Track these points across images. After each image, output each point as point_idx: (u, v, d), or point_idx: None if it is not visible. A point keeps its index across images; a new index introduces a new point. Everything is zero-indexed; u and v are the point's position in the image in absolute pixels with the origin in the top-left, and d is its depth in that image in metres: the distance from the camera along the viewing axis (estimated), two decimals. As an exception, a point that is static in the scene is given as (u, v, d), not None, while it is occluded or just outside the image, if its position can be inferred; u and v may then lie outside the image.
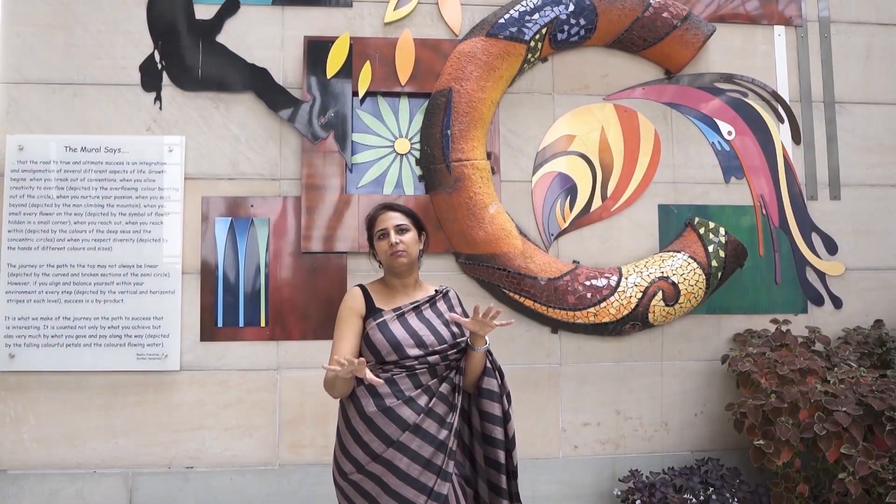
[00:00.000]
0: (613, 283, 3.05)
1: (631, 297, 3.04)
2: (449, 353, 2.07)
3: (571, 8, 3.12)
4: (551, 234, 3.23)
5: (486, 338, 2.08)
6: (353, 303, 2.13)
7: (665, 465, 3.13)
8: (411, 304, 2.12)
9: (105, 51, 3.13)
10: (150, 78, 3.13)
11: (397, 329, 2.06)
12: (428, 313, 2.12)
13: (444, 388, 2.06)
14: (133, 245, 3.04)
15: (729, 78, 3.38)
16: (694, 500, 2.79)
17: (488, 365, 2.14)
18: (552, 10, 3.11)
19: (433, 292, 2.19)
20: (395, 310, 2.10)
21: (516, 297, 3.06)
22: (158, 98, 3.13)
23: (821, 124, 3.41)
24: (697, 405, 3.26)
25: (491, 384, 2.14)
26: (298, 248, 3.09)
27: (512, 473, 2.14)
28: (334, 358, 1.89)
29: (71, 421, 2.99)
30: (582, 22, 3.15)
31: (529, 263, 3.04)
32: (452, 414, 2.05)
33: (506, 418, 2.14)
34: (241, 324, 3.06)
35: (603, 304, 3.03)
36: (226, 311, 3.06)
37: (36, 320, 2.98)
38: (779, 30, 3.43)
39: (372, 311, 2.12)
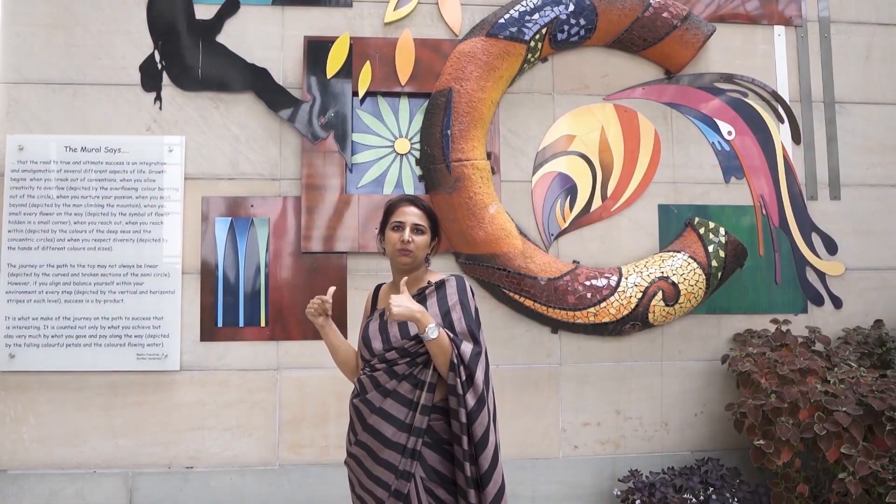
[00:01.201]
0: (613, 283, 3.05)
1: (631, 297, 3.04)
2: (407, 346, 1.96)
3: (571, 8, 3.12)
4: (551, 234, 3.23)
5: (431, 326, 1.86)
6: (365, 304, 2.23)
7: (665, 465, 3.13)
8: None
9: (105, 51, 3.13)
10: (150, 78, 3.13)
11: (373, 326, 2.07)
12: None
13: (404, 386, 1.95)
14: (133, 245, 3.04)
15: (729, 78, 3.38)
16: (694, 500, 2.79)
17: (454, 359, 1.88)
18: (552, 10, 3.11)
19: (426, 284, 2.06)
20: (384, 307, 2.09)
21: (516, 297, 3.06)
22: (158, 98, 3.13)
23: (821, 124, 3.41)
24: (697, 405, 3.26)
25: (452, 379, 1.88)
26: (298, 248, 3.09)
27: (473, 482, 1.90)
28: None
29: (71, 421, 2.99)
30: (582, 22, 3.15)
31: (529, 263, 3.04)
32: (412, 413, 1.93)
33: (469, 421, 1.87)
34: (241, 324, 3.06)
35: (603, 304, 3.03)
36: (226, 311, 3.06)
37: (36, 320, 2.98)
38: (779, 30, 3.43)
39: (372, 310, 2.17)
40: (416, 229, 2.05)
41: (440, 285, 2.04)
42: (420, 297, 2.03)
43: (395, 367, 1.98)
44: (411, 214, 2.06)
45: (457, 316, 1.98)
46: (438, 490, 1.95)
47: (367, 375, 2.02)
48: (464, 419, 1.87)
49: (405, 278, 2.02)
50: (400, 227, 2.05)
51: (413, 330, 1.96)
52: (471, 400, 1.88)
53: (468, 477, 1.88)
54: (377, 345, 2.02)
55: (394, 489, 1.93)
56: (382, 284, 2.22)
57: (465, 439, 1.87)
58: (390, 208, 2.11)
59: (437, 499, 1.95)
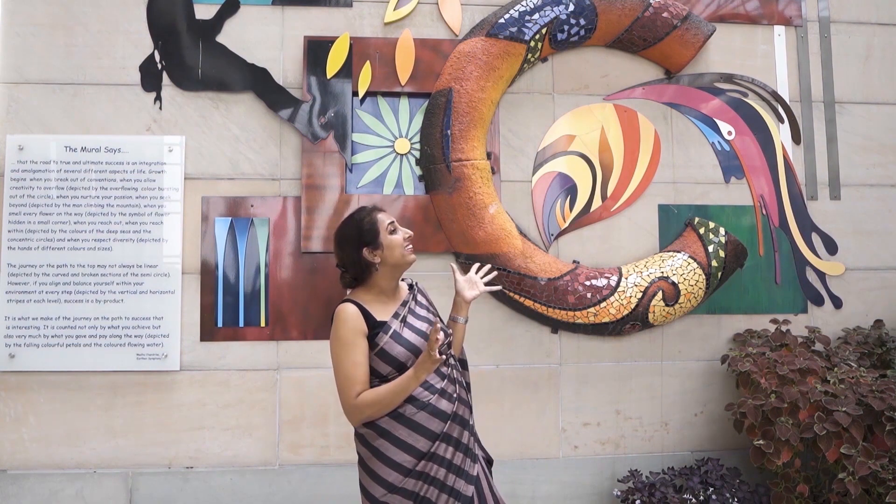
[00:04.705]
0: (613, 283, 3.05)
1: (631, 297, 3.04)
2: (451, 340, 2.08)
3: (571, 8, 3.12)
4: (551, 234, 3.23)
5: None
6: (356, 323, 1.98)
7: (665, 465, 3.13)
8: (402, 304, 2.08)
9: (105, 51, 3.13)
10: (150, 78, 3.13)
11: (409, 334, 2.02)
12: (419, 310, 2.11)
13: (457, 374, 2.07)
14: (133, 245, 3.04)
15: (729, 78, 3.38)
16: (694, 500, 2.79)
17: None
18: (552, 10, 3.11)
19: (408, 286, 2.17)
20: (395, 316, 2.04)
21: (516, 297, 3.06)
22: (158, 98, 3.13)
23: (821, 124, 3.41)
24: (697, 405, 3.26)
25: (463, 353, 2.23)
26: (298, 248, 3.09)
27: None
28: (434, 356, 1.85)
29: (71, 421, 2.99)
30: (582, 22, 3.15)
31: (529, 263, 3.04)
32: (469, 395, 2.11)
33: (469, 384, 2.24)
34: (241, 324, 3.06)
35: (603, 304, 3.03)
36: (226, 311, 3.06)
37: (36, 320, 2.98)
38: (779, 30, 3.43)
39: (375, 325, 2.00)
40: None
41: (418, 287, 2.21)
42: (414, 298, 2.14)
43: (451, 358, 2.07)
44: (390, 217, 2.10)
45: (434, 308, 2.21)
46: (485, 463, 2.14)
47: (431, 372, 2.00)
48: (468, 380, 2.18)
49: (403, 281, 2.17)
50: (396, 227, 2.07)
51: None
52: (468, 369, 2.25)
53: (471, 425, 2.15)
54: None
55: (471, 475, 2.00)
56: (352, 300, 2.04)
57: (469, 397, 2.14)
58: (372, 219, 2.04)
59: (489, 471, 2.14)
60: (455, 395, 2.02)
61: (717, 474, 2.93)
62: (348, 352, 1.96)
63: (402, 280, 2.18)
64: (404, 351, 1.99)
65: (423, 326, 2.07)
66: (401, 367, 1.99)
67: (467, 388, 2.20)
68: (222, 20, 3.16)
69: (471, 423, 2.07)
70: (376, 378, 2.02)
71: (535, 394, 3.18)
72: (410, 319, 2.07)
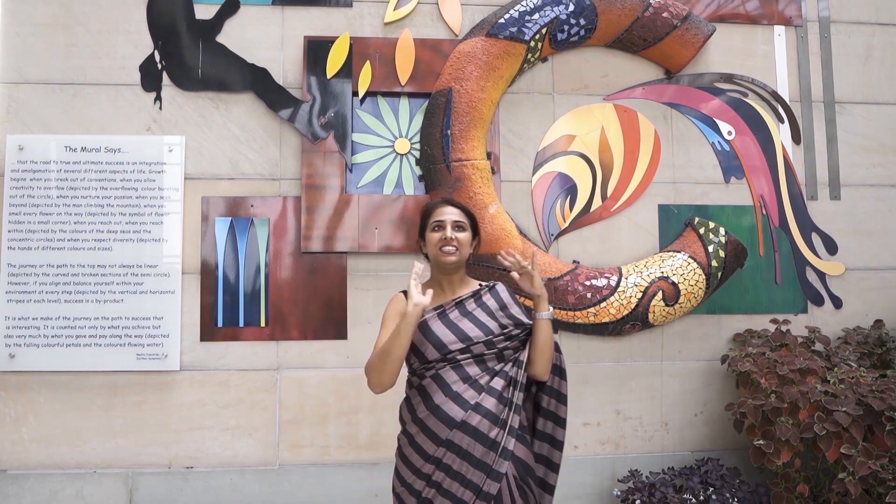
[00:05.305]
0: (613, 283, 3.05)
1: (631, 297, 3.04)
2: (495, 339, 2.02)
3: (571, 8, 3.12)
4: (551, 234, 3.23)
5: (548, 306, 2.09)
6: (398, 305, 2.07)
7: (665, 465, 3.13)
8: (454, 300, 2.08)
9: (105, 51, 3.13)
10: (150, 78, 3.13)
11: (438, 327, 2.01)
12: (472, 307, 2.07)
13: (497, 382, 1.98)
14: (133, 245, 3.04)
15: (729, 78, 3.38)
16: (694, 500, 2.79)
17: (556, 340, 2.10)
18: (552, 10, 3.11)
19: (478, 287, 2.14)
20: (436, 308, 2.05)
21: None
22: (158, 98, 3.13)
23: (821, 124, 3.41)
24: (697, 405, 3.26)
25: (557, 359, 2.15)
26: (298, 248, 3.09)
27: (561, 444, 2.20)
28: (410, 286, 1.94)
29: (71, 421, 2.99)
30: (582, 22, 3.15)
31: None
32: (507, 410, 1.97)
33: (566, 396, 2.19)
34: (241, 324, 3.06)
35: (603, 304, 3.03)
36: (226, 311, 3.06)
37: (36, 320, 2.98)
38: (779, 30, 3.43)
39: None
40: (457, 226, 2.09)
41: (491, 288, 2.14)
42: (476, 298, 2.10)
43: (484, 357, 2.01)
44: (450, 213, 2.10)
45: (516, 310, 2.10)
46: (525, 479, 2.03)
47: (450, 367, 1.98)
48: (566, 392, 2.16)
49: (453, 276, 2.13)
50: (440, 226, 2.08)
51: (493, 327, 2.03)
52: (567, 379, 2.18)
53: (560, 441, 2.16)
54: (453, 344, 1.99)
55: (484, 491, 1.91)
56: (405, 291, 2.10)
57: (563, 409, 2.15)
58: (428, 211, 2.13)
59: (521, 489, 2.01)
60: (472, 403, 1.95)
61: (717, 474, 2.93)
62: (383, 327, 2.06)
63: (489, 282, 2.17)
64: (425, 341, 2.01)
65: (461, 322, 2.03)
66: (425, 360, 2.01)
67: (562, 398, 2.13)
68: (222, 20, 3.17)
69: (491, 437, 1.93)
70: (408, 365, 2.07)
71: (535, 394, 3.18)
72: (454, 316, 2.04)
